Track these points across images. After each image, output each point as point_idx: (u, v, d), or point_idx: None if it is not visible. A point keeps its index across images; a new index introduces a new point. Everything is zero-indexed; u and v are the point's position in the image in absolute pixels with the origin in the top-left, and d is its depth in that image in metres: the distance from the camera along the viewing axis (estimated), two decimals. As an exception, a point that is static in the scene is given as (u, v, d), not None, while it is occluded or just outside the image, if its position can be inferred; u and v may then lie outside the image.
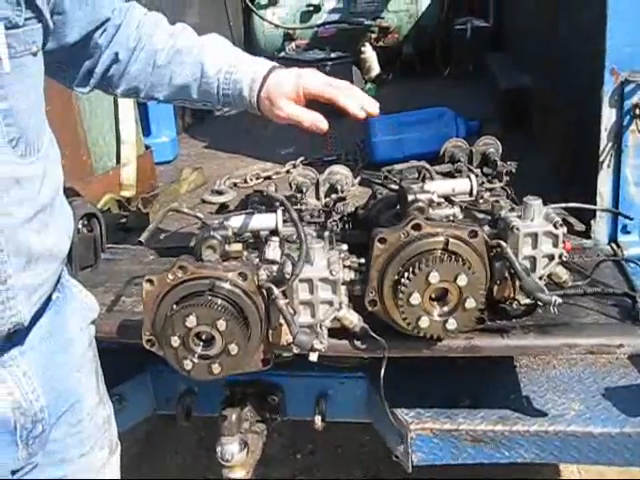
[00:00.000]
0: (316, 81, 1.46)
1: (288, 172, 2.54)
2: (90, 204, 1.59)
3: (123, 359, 1.63)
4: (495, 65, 3.65)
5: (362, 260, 1.39)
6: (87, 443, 1.36)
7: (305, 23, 4.73)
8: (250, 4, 4.62)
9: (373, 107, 1.45)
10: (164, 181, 2.61)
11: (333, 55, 3.52)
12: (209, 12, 4.13)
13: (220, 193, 2.30)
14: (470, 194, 1.58)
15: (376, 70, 4.26)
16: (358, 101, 1.43)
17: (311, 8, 4.71)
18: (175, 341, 1.28)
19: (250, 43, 4.83)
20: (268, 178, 2.52)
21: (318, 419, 1.81)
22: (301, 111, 1.44)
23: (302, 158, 2.64)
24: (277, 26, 4.70)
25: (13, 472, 1.22)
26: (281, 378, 1.87)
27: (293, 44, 4.70)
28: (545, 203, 1.43)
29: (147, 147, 2.56)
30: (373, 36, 4.50)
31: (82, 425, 1.34)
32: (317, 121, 1.43)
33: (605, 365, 1.80)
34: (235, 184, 2.44)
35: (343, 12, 4.70)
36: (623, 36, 1.68)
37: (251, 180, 2.48)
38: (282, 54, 4.55)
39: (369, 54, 4.26)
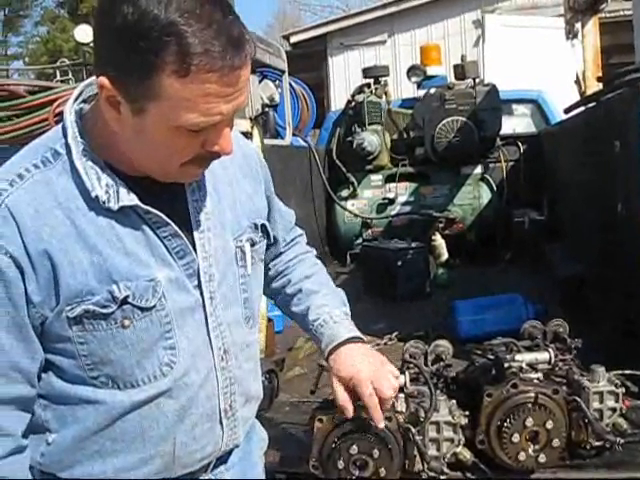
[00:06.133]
0: (363, 386, 1.61)
1: (385, 344, 3.04)
2: (271, 362, 2.11)
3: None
4: (552, 254, 4.08)
5: (467, 412, 1.88)
6: None
7: (381, 214, 5.38)
8: (334, 196, 5.32)
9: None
10: (280, 347, 3.14)
11: (413, 245, 4.11)
12: (302, 203, 4.87)
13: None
14: (549, 363, 2.08)
15: (445, 255, 4.79)
16: (378, 407, 1.61)
17: (386, 201, 5.38)
18: (340, 464, 1.75)
19: (332, 229, 5.49)
20: (370, 348, 3.02)
21: None
22: (339, 392, 1.65)
23: (397, 333, 3.13)
24: (356, 215, 5.36)
25: None
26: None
27: (370, 231, 5.36)
28: (607, 370, 1.92)
29: (269, 320, 3.12)
30: (441, 225, 5.02)
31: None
32: (344, 407, 1.65)
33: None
34: (344, 352, 2.93)
35: (414, 205, 5.32)
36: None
37: (357, 349, 2.97)
38: (360, 241, 5.21)
39: (439, 242, 4.82)
